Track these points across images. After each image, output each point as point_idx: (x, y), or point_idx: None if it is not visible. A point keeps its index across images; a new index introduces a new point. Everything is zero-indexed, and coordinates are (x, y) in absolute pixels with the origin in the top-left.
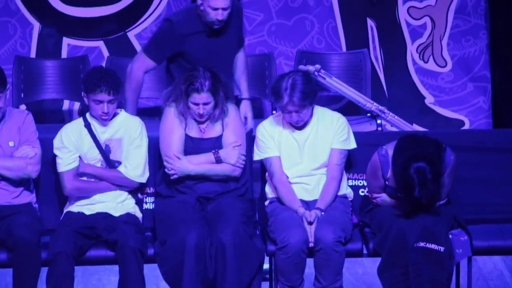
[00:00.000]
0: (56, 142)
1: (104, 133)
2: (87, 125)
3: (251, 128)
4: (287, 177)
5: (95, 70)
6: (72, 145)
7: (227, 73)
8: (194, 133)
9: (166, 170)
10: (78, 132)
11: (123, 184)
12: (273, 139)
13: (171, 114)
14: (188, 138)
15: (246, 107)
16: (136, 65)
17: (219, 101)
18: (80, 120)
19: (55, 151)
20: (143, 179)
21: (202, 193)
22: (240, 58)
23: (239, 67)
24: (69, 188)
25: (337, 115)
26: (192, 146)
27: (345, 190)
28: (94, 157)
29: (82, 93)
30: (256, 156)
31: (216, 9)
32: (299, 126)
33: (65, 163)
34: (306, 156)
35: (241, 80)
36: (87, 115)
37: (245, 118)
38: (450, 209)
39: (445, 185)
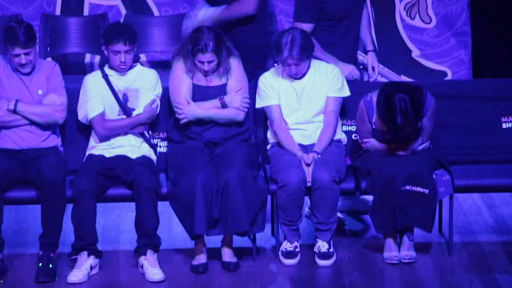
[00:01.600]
0: (82, 93)
1: (121, 83)
2: (105, 76)
3: (375, 78)
4: (286, 124)
5: (113, 24)
6: (96, 91)
7: (358, 24)
8: (201, 82)
9: (176, 115)
10: (98, 83)
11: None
12: (273, 88)
13: (179, 66)
14: (195, 87)
15: (372, 59)
16: None
17: (222, 60)
18: (98, 72)
19: (85, 102)
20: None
21: (209, 139)
22: (364, 14)
23: (363, 22)
24: (100, 129)
25: (331, 66)
26: (199, 94)
27: (340, 135)
28: (112, 105)
29: (102, 46)
30: (258, 104)
31: None
32: (298, 77)
33: (93, 108)
34: (304, 103)
35: (365, 33)
36: (105, 67)
37: (373, 68)
38: (433, 152)
39: (426, 127)
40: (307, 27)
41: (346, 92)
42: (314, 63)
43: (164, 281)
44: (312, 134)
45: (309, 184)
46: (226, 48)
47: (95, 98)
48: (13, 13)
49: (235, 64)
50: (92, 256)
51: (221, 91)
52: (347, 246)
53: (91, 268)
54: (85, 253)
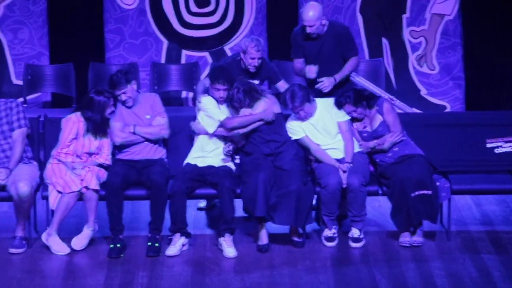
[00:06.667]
0: (202, 106)
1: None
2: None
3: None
4: (319, 145)
5: (217, 67)
6: (211, 108)
7: (331, 68)
8: None
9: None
10: (212, 102)
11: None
12: (298, 125)
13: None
14: None
15: (326, 79)
16: (294, 67)
17: (253, 103)
18: (208, 95)
19: (202, 113)
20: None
21: (266, 152)
22: (347, 62)
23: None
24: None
25: (329, 100)
26: None
27: (359, 148)
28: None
29: (208, 82)
30: (293, 137)
31: (304, 26)
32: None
33: (209, 124)
34: (323, 133)
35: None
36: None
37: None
38: (426, 159)
39: (389, 121)
40: (296, 62)
41: (348, 116)
42: (318, 101)
43: (237, 257)
44: (339, 150)
45: (344, 185)
46: (256, 94)
47: (215, 111)
48: (131, 61)
49: (266, 102)
50: (183, 237)
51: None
52: (374, 234)
53: (183, 245)
54: (178, 234)
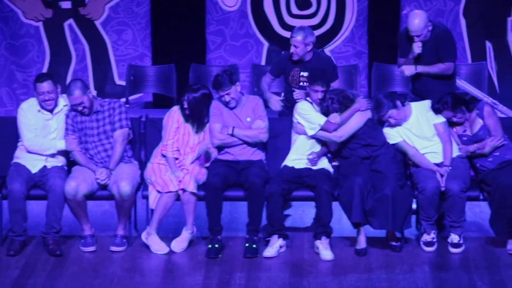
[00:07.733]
0: (299, 112)
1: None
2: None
3: None
4: (417, 150)
5: (314, 70)
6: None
7: None
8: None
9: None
10: (310, 107)
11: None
12: (395, 130)
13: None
14: None
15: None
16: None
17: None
18: (305, 102)
19: (299, 117)
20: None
21: (363, 155)
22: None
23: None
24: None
25: (425, 102)
26: None
27: (458, 152)
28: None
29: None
30: (390, 141)
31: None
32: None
33: (309, 127)
34: (419, 137)
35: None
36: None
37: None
38: None
39: (490, 125)
40: (401, 61)
41: (443, 118)
42: (413, 105)
43: (335, 260)
44: (437, 155)
45: (443, 189)
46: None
47: (311, 119)
48: (231, 63)
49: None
50: (281, 238)
51: None
52: (474, 240)
53: (280, 247)
54: (275, 236)
